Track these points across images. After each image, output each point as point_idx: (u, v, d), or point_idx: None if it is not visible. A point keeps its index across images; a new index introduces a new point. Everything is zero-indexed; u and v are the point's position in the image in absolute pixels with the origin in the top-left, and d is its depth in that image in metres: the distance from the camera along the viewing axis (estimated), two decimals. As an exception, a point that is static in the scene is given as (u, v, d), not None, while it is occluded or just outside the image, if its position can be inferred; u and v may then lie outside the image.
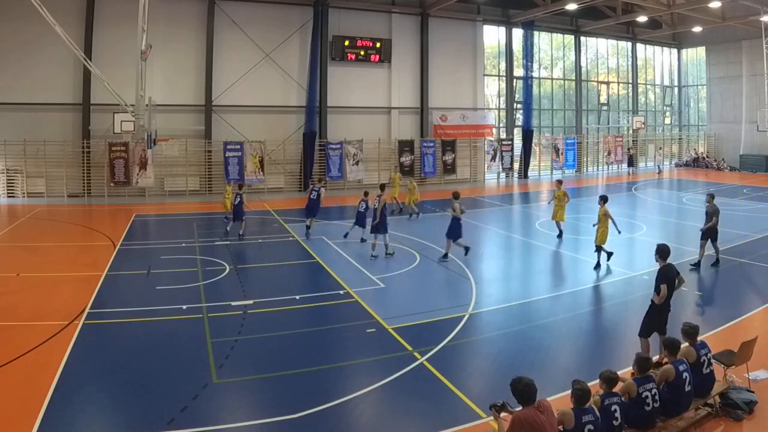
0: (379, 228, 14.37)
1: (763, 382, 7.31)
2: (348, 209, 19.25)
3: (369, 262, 13.71)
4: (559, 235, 16.47)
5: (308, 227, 17.14)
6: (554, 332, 9.64)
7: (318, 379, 7.78)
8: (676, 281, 8.03)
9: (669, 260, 8.05)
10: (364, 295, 11.25)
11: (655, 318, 7.95)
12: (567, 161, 35.19)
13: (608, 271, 13.24)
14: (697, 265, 13.18)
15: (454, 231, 14.10)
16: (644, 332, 8.03)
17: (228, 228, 16.94)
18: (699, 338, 6.97)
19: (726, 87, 37.74)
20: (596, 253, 13.49)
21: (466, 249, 14.26)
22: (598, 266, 13.38)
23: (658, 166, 36.25)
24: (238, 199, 16.63)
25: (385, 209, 14.60)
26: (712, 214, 13.26)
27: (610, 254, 13.50)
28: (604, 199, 13.69)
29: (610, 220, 13.23)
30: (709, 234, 13.27)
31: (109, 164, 23.97)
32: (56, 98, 23.27)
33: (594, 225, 13.70)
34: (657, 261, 8.06)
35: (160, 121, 18.79)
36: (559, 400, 7.05)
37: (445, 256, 14.07)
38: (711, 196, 13.69)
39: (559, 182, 17.56)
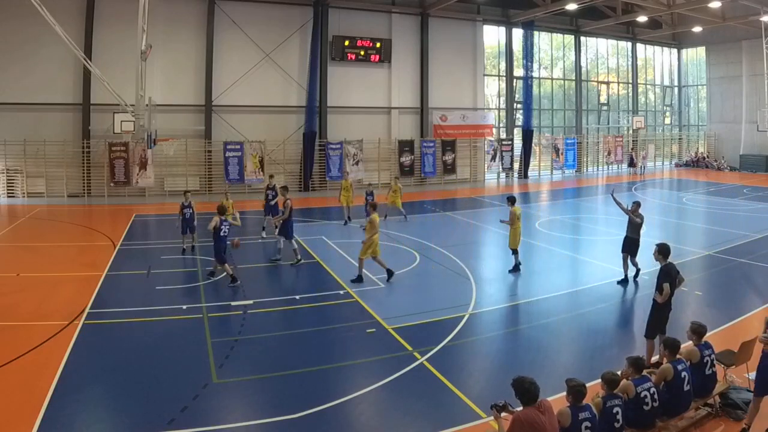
0: (285, 232, 13.72)
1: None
2: (356, 210, 19.18)
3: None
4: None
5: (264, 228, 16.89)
6: (554, 332, 9.64)
7: (318, 379, 7.78)
8: (677, 280, 8.05)
9: (669, 259, 8.05)
10: (364, 295, 11.24)
11: (658, 318, 7.98)
12: (567, 161, 35.20)
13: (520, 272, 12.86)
14: (624, 281, 12.04)
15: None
16: (650, 333, 8.05)
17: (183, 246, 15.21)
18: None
19: (726, 87, 37.72)
20: (513, 257, 13.08)
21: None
22: (515, 269, 12.94)
23: (641, 167, 36.20)
24: (189, 212, 15.04)
25: (292, 213, 13.82)
26: (638, 225, 11.86)
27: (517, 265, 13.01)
28: (512, 201, 13.14)
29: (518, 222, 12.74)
30: (631, 248, 11.97)
31: (109, 164, 23.98)
32: (56, 98, 23.27)
33: (501, 221, 13.46)
34: (658, 260, 8.06)
35: (160, 121, 18.75)
36: (559, 400, 7.03)
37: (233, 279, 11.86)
38: (637, 204, 12.15)
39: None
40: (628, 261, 12.10)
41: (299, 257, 13.83)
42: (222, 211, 12.26)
